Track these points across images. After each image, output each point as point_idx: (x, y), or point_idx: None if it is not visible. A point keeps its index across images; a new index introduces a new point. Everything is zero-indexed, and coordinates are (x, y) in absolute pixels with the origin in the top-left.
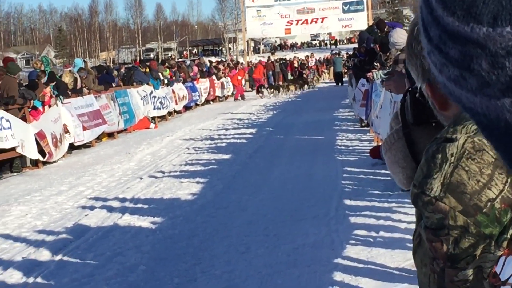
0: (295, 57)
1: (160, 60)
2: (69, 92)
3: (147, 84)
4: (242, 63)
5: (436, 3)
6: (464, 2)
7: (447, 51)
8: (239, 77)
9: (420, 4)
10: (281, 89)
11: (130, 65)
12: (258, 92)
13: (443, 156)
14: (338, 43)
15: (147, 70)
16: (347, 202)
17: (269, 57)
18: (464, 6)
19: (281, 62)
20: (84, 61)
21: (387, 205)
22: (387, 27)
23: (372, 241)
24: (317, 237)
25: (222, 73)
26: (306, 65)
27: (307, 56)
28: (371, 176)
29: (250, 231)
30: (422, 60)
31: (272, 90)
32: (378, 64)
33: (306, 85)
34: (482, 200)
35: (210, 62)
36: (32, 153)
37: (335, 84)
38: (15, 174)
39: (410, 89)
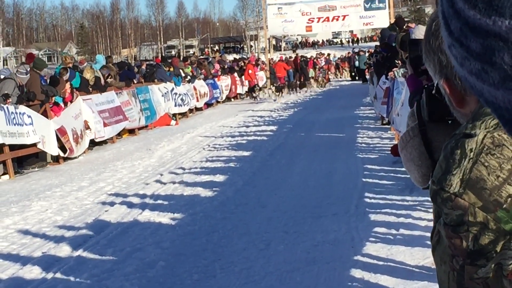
0: (321, 54)
1: (181, 57)
2: (90, 89)
3: (169, 81)
4: (263, 61)
5: None
6: None
7: (468, 44)
8: (250, 71)
9: None
10: (283, 90)
11: (151, 62)
12: (251, 95)
13: (462, 152)
14: (360, 41)
15: (171, 69)
16: (367, 199)
17: (296, 54)
18: None
19: (302, 59)
20: (110, 56)
21: (407, 203)
22: (406, 24)
23: (392, 238)
24: (337, 234)
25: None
26: (317, 65)
27: (320, 54)
28: (392, 174)
29: (270, 228)
30: (440, 56)
31: (277, 91)
32: (399, 62)
33: (304, 87)
34: (502, 195)
35: (235, 59)
36: (52, 149)
37: (358, 81)
38: (36, 169)
39: (426, 86)
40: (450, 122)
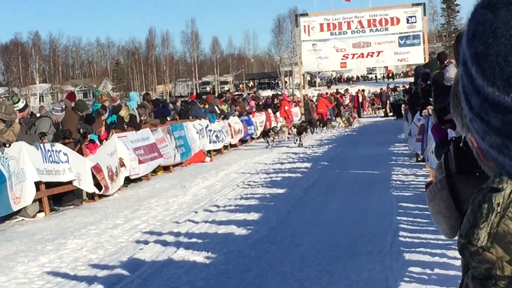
0: (346, 90)
1: (216, 94)
2: (125, 126)
3: (204, 118)
4: (298, 97)
5: (476, 73)
6: (504, 73)
7: (488, 119)
8: (286, 107)
9: (460, 72)
10: (304, 132)
11: (186, 99)
12: (264, 136)
13: (490, 206)
14: (395, 77)
15: (206, 106)
16: (402, 238)
17: (337, 90)
18: (504, 77)
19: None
20: (147, 93)
21: (442, 241)
22: (448, 60)
23: (427, 278)
24: (371, 274)
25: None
26: (341, 103)
27: (346, 90)
28: (426, 212)
29: (304, 267)
30: None
31: (298, 133)
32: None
33: (323, 126)
34: None
35: (274, 96)
36: (88, 187)
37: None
38: (72, 207)
39: (453, 139)
40: (477, 174)
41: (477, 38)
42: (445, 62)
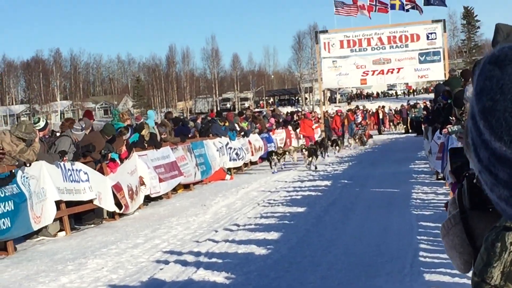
0: (357, 108)
1: (236, 110)
2: (146, 144)
3: (224, 136)
4: (319, 114)
5: (484, 128)
6: (510, 128)
7: (496, 172)
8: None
9: (469, 125)
10: (313, 157)
11: (207, 117)
12: (269, 159)
13: (503, 245)
14: (415, 93)
15: (227, 123)
16: (422, 258)
17: (357, 106)
18: (510, 132)
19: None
20: (169, 112)
21: None
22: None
23: None
24: None
25: (299, 124)
26: (354, 121)
27: (357, 107)
28: None
29: (324, 287)
30: None
31: (309, 155)
32: (453, 118)
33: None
34: None
35: (293, 113)
36: (109, 205)
37: (413, 134)
38: (92, 226)
39: (467, 175)
40: (491, 210)
41: (485, 93)
42: (470, 79)
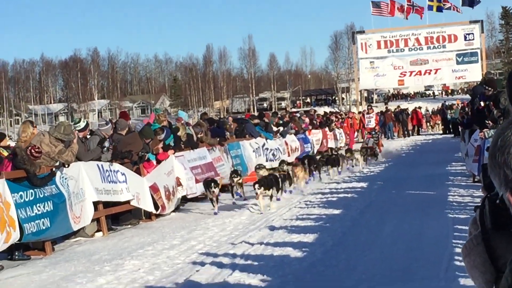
0: (370, 107)
1: (273, 110)
2: (182, 145)
3: (259, 136)
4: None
5: None
6: None
7: None
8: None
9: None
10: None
11: (242, 117)
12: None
13: None
14: (453, 93)
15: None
16: (458, 262)
17: (369, 105)
18: None
19: (402, 112)
20: (205, 113)
21: None
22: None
23: None
24: None
25: (335, 124)
26: (360, 126)
27: (369, 107)
28: None
29: None
30: (505, 170)
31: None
32: (490, 122)
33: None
34: None
35: (325, 113)
36: (148, 206)
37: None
38: (129, 226)
39: (488, 196)
40: None
41: None
42: (495, 90)
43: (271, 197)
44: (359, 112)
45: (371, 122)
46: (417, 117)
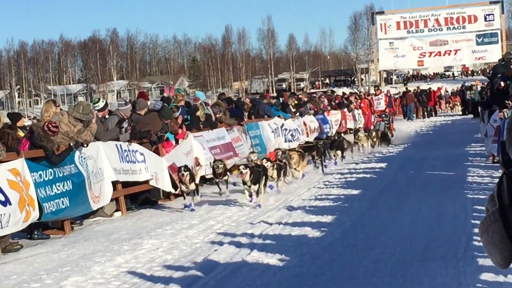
0: (377, 89)
1: (291, 92)
2: (201, 125)
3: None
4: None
5: None
6: None
7: None
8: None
9: None
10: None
11: (255, 97)
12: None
13: None
14: (473, 74)
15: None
16: (476, 242)
17: (377, 87)
18: None
19: (422, 93)
20: (223, 93)
21: None
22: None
23: (500, 285)
24: (444, 279)
25: (354, 105)
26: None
27: (377, 88)
28: None
29: (377, 271)
30: None
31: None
32: (509, 102)
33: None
34: None
35: (343, 94)
36: (166, 186)
37: (469, 116)
38: (148, 206)
39: (506, 172)
40: None
41: None
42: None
43: (257, 192)
44: (368, 95)
45: (381, 104)
46: (434, 98)
